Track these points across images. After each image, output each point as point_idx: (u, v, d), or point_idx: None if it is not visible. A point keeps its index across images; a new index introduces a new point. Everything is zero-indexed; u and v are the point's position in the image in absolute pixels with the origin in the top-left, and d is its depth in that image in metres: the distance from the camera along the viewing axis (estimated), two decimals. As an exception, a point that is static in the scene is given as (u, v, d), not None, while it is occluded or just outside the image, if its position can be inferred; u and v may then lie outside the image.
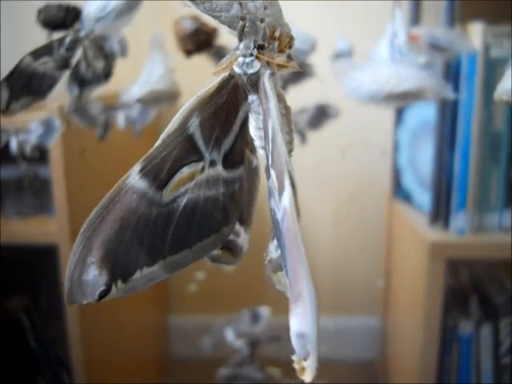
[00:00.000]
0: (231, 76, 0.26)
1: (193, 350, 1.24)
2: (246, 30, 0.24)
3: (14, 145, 0.71)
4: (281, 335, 0.92)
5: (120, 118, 0.74)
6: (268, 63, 0.25)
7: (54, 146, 0.81)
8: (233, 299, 1.29)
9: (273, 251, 0.29)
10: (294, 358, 0.19)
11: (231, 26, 0.24)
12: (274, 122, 0.24)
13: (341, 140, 1.23)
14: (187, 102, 0.26)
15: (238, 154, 0.28)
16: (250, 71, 0.25)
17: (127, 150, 1.05)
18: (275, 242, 0.29)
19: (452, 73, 0.83)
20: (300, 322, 0.19)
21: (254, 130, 0.27)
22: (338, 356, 1.32)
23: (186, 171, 0.26)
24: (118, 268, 0.24)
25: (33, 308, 1.00)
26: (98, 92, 0.58)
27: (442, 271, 0.84)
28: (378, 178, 1.23)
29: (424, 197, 0.96)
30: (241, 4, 0.24)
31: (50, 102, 0.60)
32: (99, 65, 0.54)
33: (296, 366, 0.19)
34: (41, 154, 0.76)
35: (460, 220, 0.86)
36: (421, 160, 0.99)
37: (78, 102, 0.57)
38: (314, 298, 0.19)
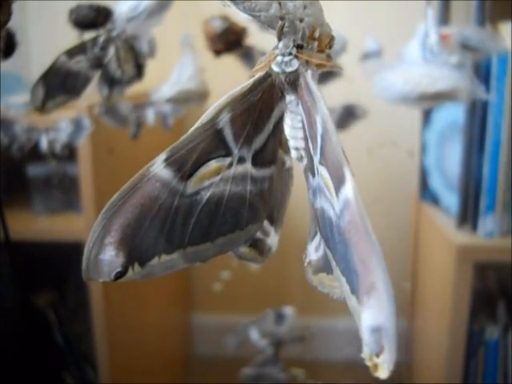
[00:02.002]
0: (268, 74, 0.26)
1: (216, 349, 1.24)
2: (285, 29, 0.24)
3: (44, 143, 0.72)
4: (305, 335, 0.92)
5: (150, 115, 0.75)
6: (307, 62, 0.25)
7: (83, 144, 0.82)
8: (257, 299, 1.29)
9: (312, 253, 0.29)
10: (364, 354, 0.19)
11: (270, 25, 0.24)
12: (324, 117, 0.24)
13: (368, 140, 1.23)
14: (219, 99, 0.26)
15: (270, 153, 0.28)
16: (289, 69, 0.25)
17: (154, 149, 1.06)
18: (314, 244, 0.29)
19: (482, 73, 0.82)
20: (375, 314, 0.19)
21: (289, 129, 0.27)
22: (362, 358, 1.31)
23: (212, 165, 0.26)
24: (136, 252, 0.25)
25: (59, 304, 1.01)
26: (127, 92, 0.59)
27: (470, 275, 0.83)
28: (405, 179, 1.22)
29: (452, 199, 0.94)
30: (280, 4, 0.23)
31: (80, 101, 0.60)
32: (130, 65, 0.54)
33: (368, 362, 0.19)
34: (70, 153, 0.78)
35: (488, 223, 0.85)
36: (448, 161, 0.98)
37: (107, 101, 0.58)
38: (389, 288, 0.19)
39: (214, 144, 0.26)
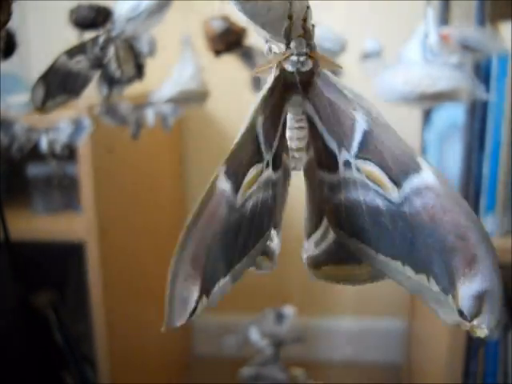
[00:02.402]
0: (280, 76, 0.25)
1: (216, 349, 1.24)
2: (292, 30, 0.24)
3: (44, 143, 0.72)
4: (305, 336, 0.92)
5: (149, 115, 0.75)
6: (316, 62, 0.25)
7: (83, 144, 0.82)
8: (257, 299, 1.28)
9: (311, 249, 0.29)
10: (466, 319, 0.21)
11: (272, 26, 0.24)
12: (373, 114, 0.24)
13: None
14: (253, 100, 0.25)
15: (280, 155, 0.28)
16: (304, 69, 0.25)
17: (154, 149, 1.06)
18: (314, 239, 0.29)
19: (482, 73, 0.82)
20: (481, 280, 0.20)
21: (289, 131, 0.27)
22: (363, 358, 1.31)
23: (251, 173, 0.25)
24: (206, 281, 0.22)
25: (59, 304, 1.01)
26: (127, 92, 0.59)
27: (470, 275, 0.83)
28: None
29: (452, 199, 0.94)
30: (291, 3, 0.23)
31: (80, 101, 0.61)
32: (129, 65, 0.54)
33: (467, 327, 0.21)
34: (70, 152, 0.78)
35: (488, 223, 0.84)
36: (448, 161, 0.98)
37: (107, 101, 0.58)
38: (494, 257, 0.20)
39: (253, 150, 0.25)
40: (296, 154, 0.28)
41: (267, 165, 0.26)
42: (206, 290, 0.22)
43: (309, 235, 0.29)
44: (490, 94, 0.80)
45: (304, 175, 0.29)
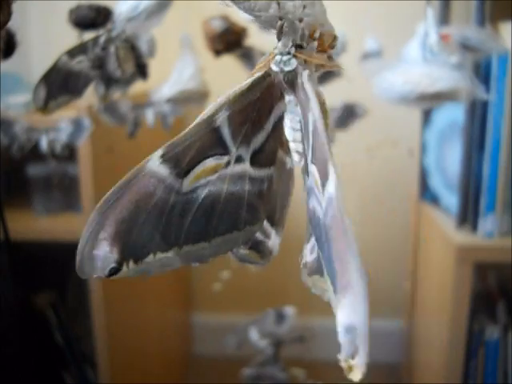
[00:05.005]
0: (267, 74, 0.26)
1: (216, 349, 1.24)
2: (284, 29, 0.24)
3: (44, 143, 0.73)
4: (305, 336, 0.92)
5: (149, 115, 0.75)
6: (305, 62, 0.25)
7: (83, 144, 0.82)
8: (257, 299, 1.29)
9: (308, 254, 0.29)
10: (340, 356, 0.18)
11: (271, 25, 0.24)
12: (315, 114, 0.24)
13: (368, 140, 1.22)
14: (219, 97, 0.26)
15: (270, 153, 0.28)
16: (287, 69, 0.25)
17: (154, 148, 1.06)
18: (310, 245, 0.28)
19: (482, 73, 0.82)
20: (349, 313, 0.18)
21: (288, 131, 0.27)
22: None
23: (209, 163, 0.26)
24: (130, 248, 0.25)
25: (59, 304, 1.01)
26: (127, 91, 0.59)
27: (470, 275, 0.83)
28: (404, 178, 1.22)
29: (451, 199, 0.94)
30: (279, 4, 0.23)
31: (80, 101, 0.61)
32: (129, 64, 0.54)
33: (343, 364, 0.18)
34: (70, 152, 0.78)
35: (488, 223, 0.84)
36: (449, 161, 0.98)
37: (103, 100, 0.58)
38: (363, 287, 0.19)
39: (211, 142, 0.26)
40: (296, 157, 0.27)
41: (239, 160, 0.27)
42: (132, 256, 0.25)
43: (307, 240, 0.29)
44: (489, 94, 0.80)
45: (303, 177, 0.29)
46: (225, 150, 0.26)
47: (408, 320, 1.25)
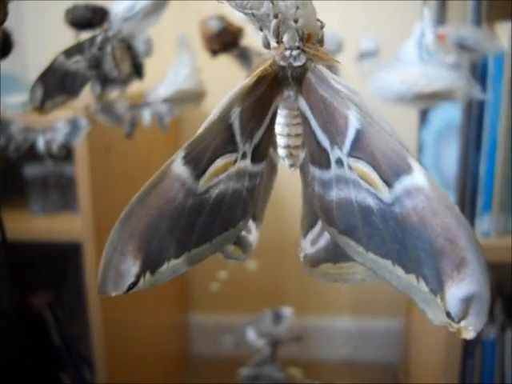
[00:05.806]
0: (271, 68, 0.25)
1: (214, 349, 1.24)
2: (281, 28, 0.24)
3: (40, 143, 0.72)
4: (302, 336, 0.92)
5: (146, 115, 0.75)
6: (311, 58, 0.25)
7: (80, 144, 0.82)
8: (255, 299, 1.29)
9: (308, 247, 0.29)
10: (449, 322, 0.21)
11: (262, 24, 0.24)
12: (367, 112, 0.24)
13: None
14: (225, 95, 0.26)
15: (264, 148, 0.28)
16: (297, 64, 0.25)
17: (151, 148, 1.06)
18: (310, 237, 0.29)
19: (478, 73, 0.82)
20: (469, 284, 0.20)
21: (281, 127, 0.27)
22: (360, 358, 1.31)
23: (220, 162, 0.25)
24: (149, 259, 0.23)
25: (56, 305, 1.01)
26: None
27: (467, 274, 0.83)
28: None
29: (448, 198, 0.94)
30: (273, 3, 0.23)
31: (76, 101, 0.61)
32: (126, 64, 0.54)
33: (453, 329, 0.21)
34: (66, 153, 0.77)
35: (485, 222, 0.85)
36: (445, 161, 0.98)
37: (100, 100, 0.58)
38: (482, 261, 0.20)
39: (225, 140, 0.25)
40: (293, 152, 0.27)
41: (244, 156, 0.26)
42: (150, 267, 0.23)
43: (305, 234, 0.29)
44: (486, 93, 0.80)
45: (300, 172, 0.29)
46: (234, 147, 0.26)
47: (405, 319, 1.26)
